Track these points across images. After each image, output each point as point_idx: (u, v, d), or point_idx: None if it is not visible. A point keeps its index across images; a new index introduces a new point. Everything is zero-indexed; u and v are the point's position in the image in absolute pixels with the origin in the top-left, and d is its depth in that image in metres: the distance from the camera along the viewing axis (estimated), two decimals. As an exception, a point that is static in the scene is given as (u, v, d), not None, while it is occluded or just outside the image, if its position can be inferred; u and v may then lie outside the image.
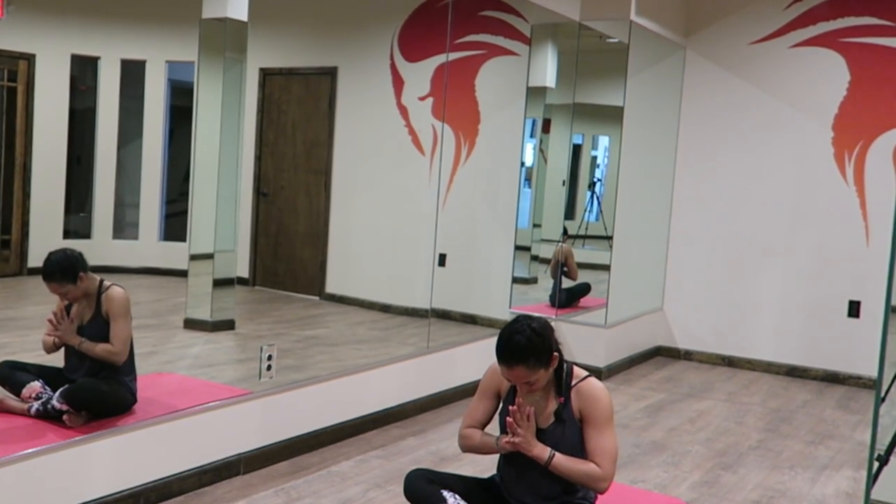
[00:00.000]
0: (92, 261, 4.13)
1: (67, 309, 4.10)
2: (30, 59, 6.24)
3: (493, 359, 3.29)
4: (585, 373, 3.13)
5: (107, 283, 4.12)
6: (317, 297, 7.60)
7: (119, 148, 6.77)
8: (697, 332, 8.06)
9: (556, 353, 3.01)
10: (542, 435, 3.06)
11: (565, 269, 7.58)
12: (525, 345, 2.93)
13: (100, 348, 4.04)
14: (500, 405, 3.24)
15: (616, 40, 7.24)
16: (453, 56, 6.86)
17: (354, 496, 4.31)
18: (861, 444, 5.76)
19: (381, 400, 5.49)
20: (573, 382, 3.07)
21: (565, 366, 3.10)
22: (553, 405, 3.06)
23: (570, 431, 3.04)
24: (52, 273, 3.98)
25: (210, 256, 5.66)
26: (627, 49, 7.13)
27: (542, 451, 3.00)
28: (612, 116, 7.32)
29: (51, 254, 4.00)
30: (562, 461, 2.98)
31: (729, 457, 5.35)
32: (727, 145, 7.84)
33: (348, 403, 5.23)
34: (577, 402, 3.04)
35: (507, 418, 2.99)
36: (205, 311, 5.75)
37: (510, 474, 3.19)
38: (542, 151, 7.64)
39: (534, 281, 7.77)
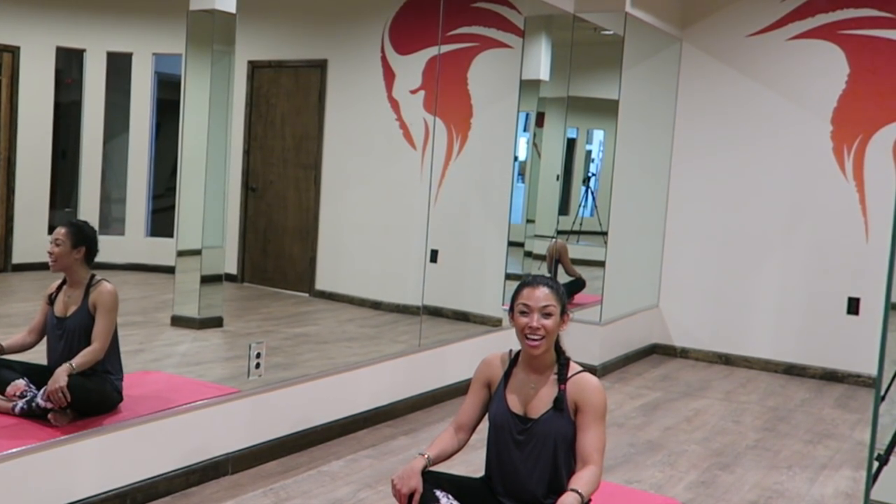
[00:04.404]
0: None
1: (51, 300, 4.14)
2: (14, 51, 6.22)
3: (486, 356, 3.27)
4: (580, 367, 3.14)
5: (98, 277, 4.14)
6: (306, 294, 7.62)
7: (105, 142, 6.76)
8: (694, 329, 8.02)
9: (568, 314, 3.12)
10: (534, 424, 3.05)
11: (559, 264, 7.53)
12: (550, 280, 3.14)
13: (84, 359, 3.97)
14: (491, 397, 3.21)
15: (611, 32, 7.20)
16: (445, 48, 6.83)
17: (345, 496, 4.29)
18: (860, 443, 5.73)
19: (372, 398, 5.46)
20: (569, 374, 3.09)
21: (565, 356, 3.13)
22: (552, 392, 3.06)
23: (564, 422, 3.04)
24: (75, 226, 4.12)
25: (198, 252, 5.63)
26: (623, 41, 7.09)
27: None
28: (607, 110, 7.28)
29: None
30: (583, 490, 2.90)
31: (726, 456, 5.32)
32: (724, 139, 7.79)
33: (338, 402, 5.20)
34: (574, 394, 3.04)
35: None
36: (192, 308, 5.72)
37: (498, 479, 3.16)
38: (535, 146, 7.59)
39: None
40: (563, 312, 3.08)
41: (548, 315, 3.02)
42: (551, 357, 3.11)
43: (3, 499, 3.47)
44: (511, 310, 3.09)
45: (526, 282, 3.11)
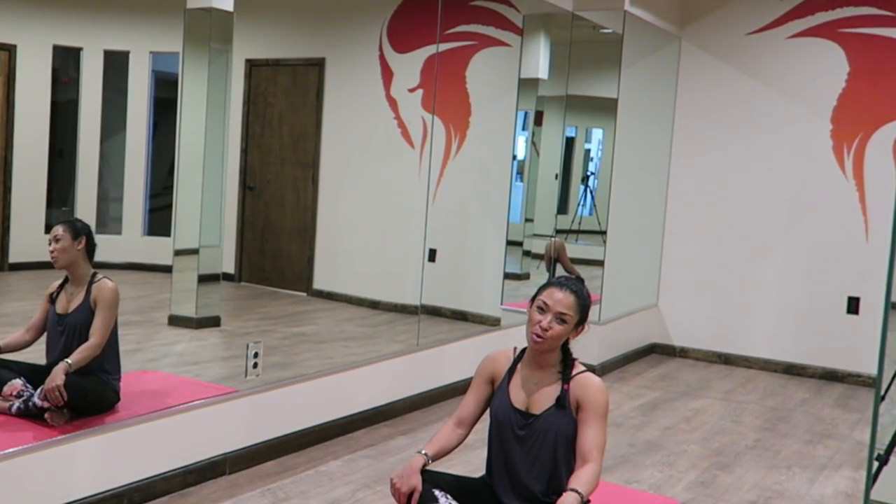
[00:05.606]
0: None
1: (52, 298, 4.15)
2: (10, 50, 6.21)
3: (484, 356, 3.28)
4: (584, 367, 3.16)
5: (100, 275, 4.16)
6: (304, 294, 7.61)
7: (102, 141, 6.75)
8: (693, 328, 7.99)
9: (585, 326, 3.13)
10: (536, 420, 3.07)
11: (558, 263, 7.52)
12: (580, 288, 3.13)
13: (81, 355, 3.97)
14: (494, 392, 3.21)
15: (610, 31, 7.18)
16: (443, 47, 6.81)
17: (342, 496, 4.27)
18: (860, 443, 5.71)
19: (370, 398, 5.44)
20: (574, 373, 3.10)
21: (571, 356, 3.15)
22: (556, 390, 3.08)
23: (566, 419, 3.05)
24: (70, 221, 4.14)
25: (195, 252, 5.62)
26: (622, 40, 7.07)
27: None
28: (605, 109, 7.26)
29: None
30: (583, 490, 2.91)
31: (725, 456, 5.30)
32: (723, 138, 7.78)
33: (336, 402, 5.18)
34: (577, 393, 3.06)
35: None
36: (190, 308, 5.71)
37: (498, 475, 3.16)
38: (534, 144, 7.57)
39: (526, 277, 7.70)
40: (580, 323, 3.09)
41: (562, 321, 3.03)
42: (557, 356, 3.12)
43: (1, 499, 3.46)
44: (532, 300, 3.10)
45: (557, 281, 3.13)
